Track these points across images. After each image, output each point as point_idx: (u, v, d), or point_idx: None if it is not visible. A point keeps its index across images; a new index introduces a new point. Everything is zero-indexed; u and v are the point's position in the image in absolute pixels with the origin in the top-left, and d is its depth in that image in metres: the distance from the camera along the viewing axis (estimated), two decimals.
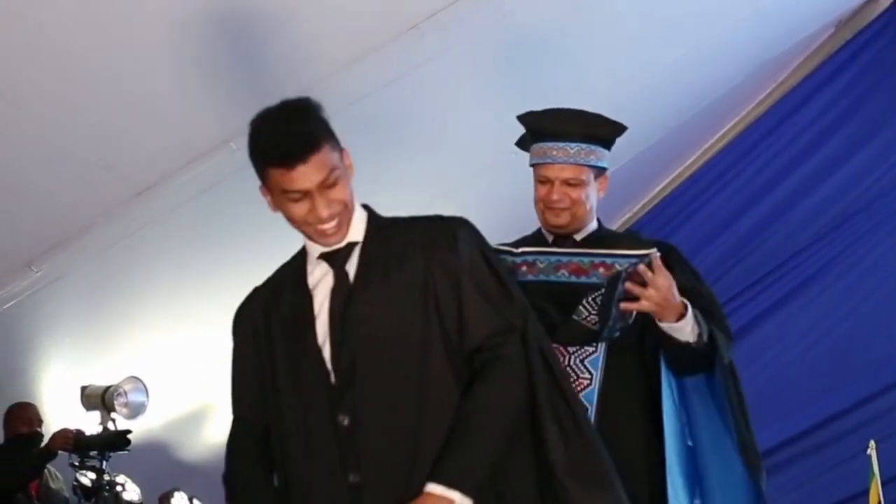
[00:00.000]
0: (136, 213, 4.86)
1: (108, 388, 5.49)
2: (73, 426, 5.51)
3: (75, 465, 5.48)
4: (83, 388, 5.56)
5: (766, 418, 6.35)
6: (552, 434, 2.11)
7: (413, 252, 2.16)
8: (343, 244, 2.19)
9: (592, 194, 2.83)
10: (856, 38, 6.80)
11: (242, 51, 4.39)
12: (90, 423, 5.55)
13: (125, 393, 5.49)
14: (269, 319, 2.21)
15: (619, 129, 2.86)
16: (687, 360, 2.68)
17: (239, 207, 5.11)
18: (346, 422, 2.08)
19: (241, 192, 4.99)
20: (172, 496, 6.01)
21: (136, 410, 5.53)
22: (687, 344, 2.62)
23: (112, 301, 5.33)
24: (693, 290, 2.73)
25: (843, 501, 6.24)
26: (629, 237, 3.17)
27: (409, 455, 2.07)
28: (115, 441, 5.49)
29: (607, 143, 2.85)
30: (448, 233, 2.19)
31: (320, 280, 2.20)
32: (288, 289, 2.23)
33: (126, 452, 5.57)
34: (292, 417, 2.14)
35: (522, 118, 2.89)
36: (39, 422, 5.55)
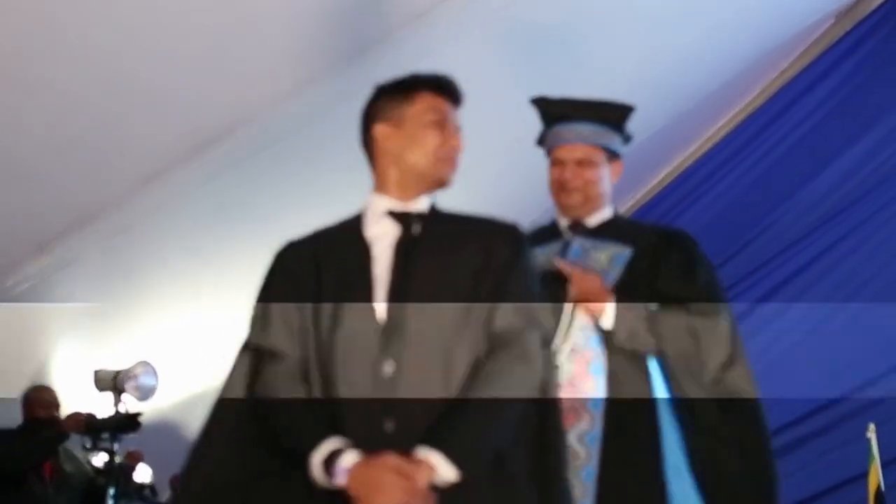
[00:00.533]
0: (144, 200, 4.90)
1: (120, 371, 5.50)
2: (84, 409, 5.55)
3: (87, 448, 5.50)
4: (96, 372, 5.56)
5: (767, 402, 6.40)
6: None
7: (476, 234, 2.22)
8: (415, 208, 2.25)
9: (606, 178, 2.85)
10: (856, 28, 6.78)
11: (249, 41, 4.39)
12: (102, 406, 5.59)
13: (136, 376, 5.50)
14: (319, 264, 2.21)
15: (627, 110, 2.89)
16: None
17: (244, 194, 5.16)
18: (389, 369, 2.08)
19: (246, 179, 5.07)
20: None
21: (146, 393, 5.53)
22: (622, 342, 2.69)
23: (122, 284, 5.37)
24: (686, 277, 2.78)
25: (842, 484, 6.25)
26: (643, 226, 3.13)
27: (440, 410, 2.05)
28: (126, 423, 5.48)
29: (618, 127, 2.88)
30: (508, 232, 2.25)
31: (381, 235, 2.23)
32: (341, 240, 2.25)
33: (137, 434, 5.62)
34: (336, 361, 2.12)
35: (535, 102, 2.92)
36: (57, 405, 5.54)
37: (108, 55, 4.22)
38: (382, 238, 2.22)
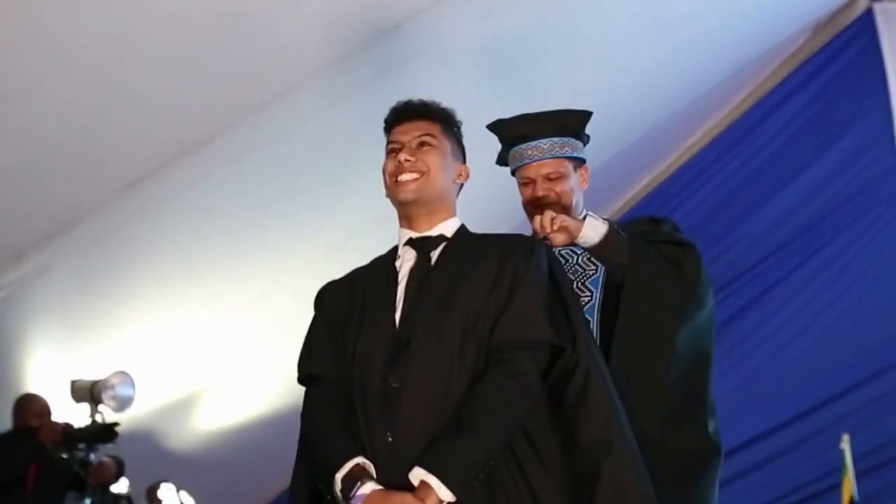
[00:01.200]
0: (124, 207, 4.87)
1: (97, 381, 5.49)
2: (61, 419, 5.50)
3: (63, 458, 5.46)
4: (73, 382, 5.55)
5: (742, 412, 6.41)
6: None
7: (491, 254, 2.32)
8: (434, 234, 2.39)
9: (576, 187, 2.86)
10: (833, 41, 6.84)
11: (230, 48, 4.38)
12: (78, 416, 5.53)
13: (113, 386, 5.48)
14: (353, 292, 2.38)
15: (584, 116, 2.90)
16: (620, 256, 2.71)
17: (225, 201, 5.14)
18: (395, 384, 2.20)
19: (227, 186, 5.05)
20: (159, 488, 6.02)
21: (123, 404, 5.52)
22: (601, 246, 2.67)
23: (101, 292, 5.33)
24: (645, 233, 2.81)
25: (816, 494, 6.29)
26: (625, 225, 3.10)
27: (436, 425, 2.16)
28: (103, 434, 5.47)
29: (577, 134, 2.88)
30: (528, 245, 2.36)
31: (404, 262, 2.38)
32: (374, 269, 2.43)
33: (113, 445, 5.57)
34: (353, 374, 2.26)
35: (492, 127, 2.94)
36: (49, 414, 5.46)
37: (89, 64, 4.20)
38: (405, 265, 2.37)
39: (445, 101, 2.46)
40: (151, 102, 4.47)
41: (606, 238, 2.67)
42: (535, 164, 2.83)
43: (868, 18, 6.78)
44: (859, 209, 6.70)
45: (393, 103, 2.47)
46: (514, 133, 2.88)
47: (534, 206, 2.82)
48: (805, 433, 6.37)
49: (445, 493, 2.09)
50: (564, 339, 2.25)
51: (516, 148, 2.87)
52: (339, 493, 2.15)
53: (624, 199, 7.19)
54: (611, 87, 5.64)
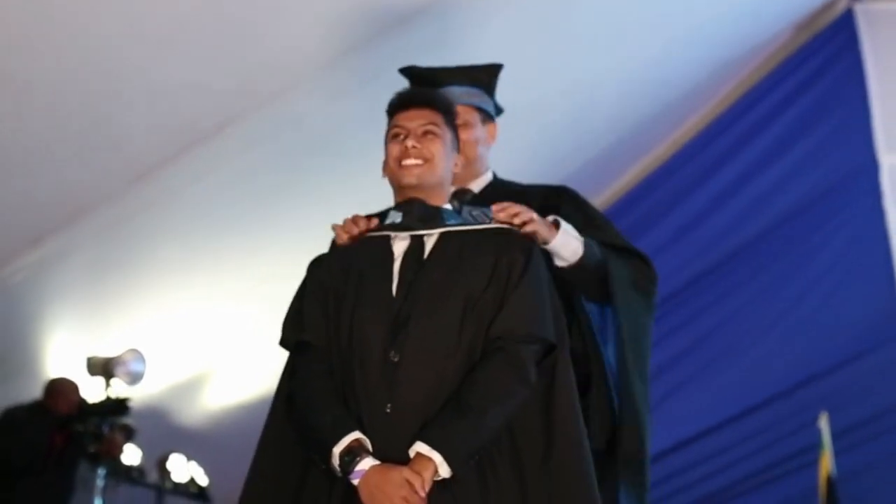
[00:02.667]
0: (136, 195, 4.92)
1: (110, 357, 5.57)
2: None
3: (79, 431, 5.59)
4: (88, 359, 5.62)
5: (724, 394, 6.51)
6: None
7: (490, 246, 2.34)
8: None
9: (482, 140, 2.77)
10: (813, 40, 6.86)
11: (236, 47, 4.41)
12: (93, 390, 5.63)
13: (126, 362, 5.55)
14: (348, 267, 2.37)
15: (493, 69, 2.85)
16: (587, 282, 2.59)
17: (235, 190, 5.18)
18: (395, 358, 2.22)
19: (236, 175, 5.10)
20: (169, 458, 6.11)
21: (135, 379, 5.59)
22: (576, 265, 2.54)
23: (114, 276, 5.38)
24: (587, 222, 2.69)
25: (795, 470, 6.34)
26: (527, 186, 2.91)
27: (432, 402, 2.20)
28: (116, 407, 5.56)
29: (489, 88, 2.81)
30: (526, 244, 2.38)
31: (400, 240, 2.40)
32: (369, 248, 2.41)
33: (125, 418, 5.68)
34: (351, 346, 2.27)
35: (403, 71, 2.87)
36: (77, 397, 5.57)
37: (102, 57, 4.24)
38: (399, 243, 2.39)
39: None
40: (161, 97, 4.50)
41: (581, 264, 2.53)
42: None
43: (848, 19, 6.81)
44: (839, 200, 6.71)
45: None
46: (424, 78, 2.80)
47: None
48: (785, 412, 6.40)
49: (445, 469, 2.12)
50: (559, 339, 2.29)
51: None
52: (336, 467, 2.16)
53: (610, 191, 7.17)
54: (597, 84, 5.69)
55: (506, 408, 2.19)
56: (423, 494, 2.11)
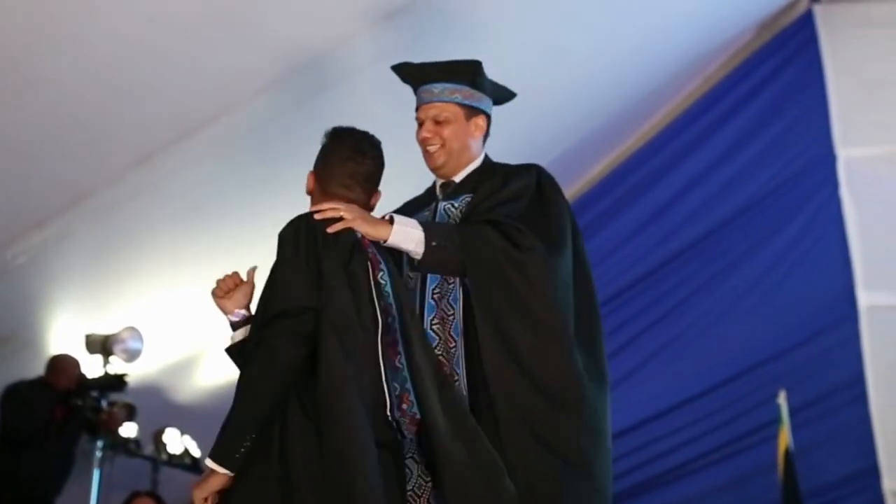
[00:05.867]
0: (135, 180, 4.93)
1: (109, 335, 5.61)
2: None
3: (78, 405, 5.61)
4: (87, 336, 5.66)
5: (685, 373, 6.58)
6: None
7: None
8: None
9: (465, 133, 2.75)
10: (775, 38, 6.93)
11: (226, 40, 4.42)
12: (92, 367, 5.67)
13: (124, 340, 5.59)
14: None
15: (474, 65, 2.81)
16: (444, 266, 2.56)
17: (229, 176, 5.20)
18: None
19: (228, 162, 5.12)
20: (164, 432, 6.13)
21: (133, 356, 5.63)
22: (429, 251, 2.51)
23: (113, 258, 5.39)
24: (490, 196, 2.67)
25: (754, 445, 6.42)
26: (502, 166, 2.86)
27: None
28: (114, 383, 5.60)
29: (475, 84, 2.78)
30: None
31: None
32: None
33: (123, 393, 5.71)
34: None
35: (395, 68, 2.87)
36: (78, 373, 5.59)
37: (102, 49, 4.26)
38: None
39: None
40: (157, 88, 4.51)
41: (428, 250, 2.49)
42: (424, 105, 2.75)
43: (808, 19, 6.89)
44: (799, 189, 6.76)
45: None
46: (411, 76, 2.81)
47: (423, 150, 2.77)
48: (745, 390, 6.46)
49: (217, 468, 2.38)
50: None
51: (417, 91, 2.80)
52: None
53: (583, 181, 7.19)
54: (571, 85, 5.70)
55: (251, 393, 2.41)
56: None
